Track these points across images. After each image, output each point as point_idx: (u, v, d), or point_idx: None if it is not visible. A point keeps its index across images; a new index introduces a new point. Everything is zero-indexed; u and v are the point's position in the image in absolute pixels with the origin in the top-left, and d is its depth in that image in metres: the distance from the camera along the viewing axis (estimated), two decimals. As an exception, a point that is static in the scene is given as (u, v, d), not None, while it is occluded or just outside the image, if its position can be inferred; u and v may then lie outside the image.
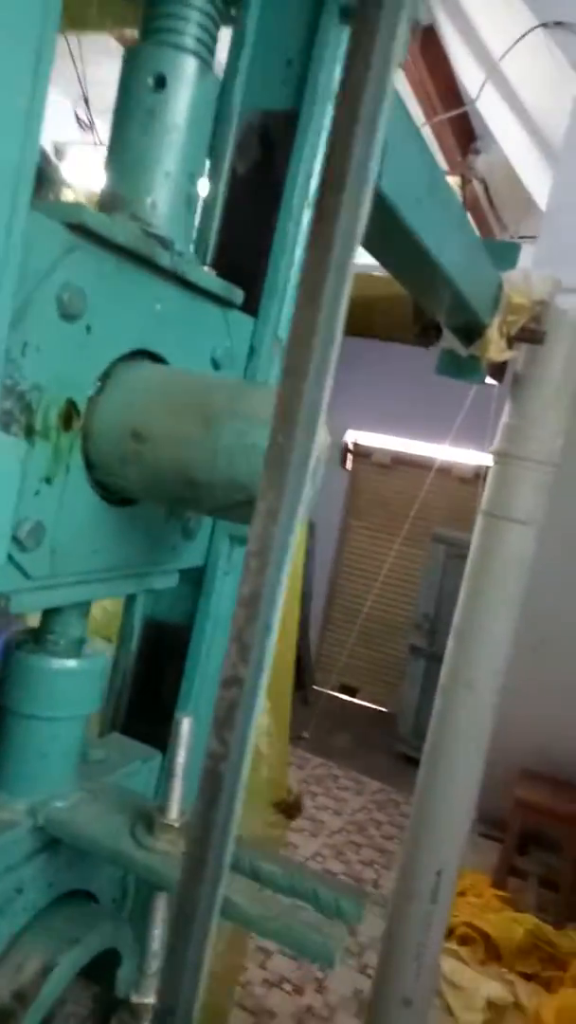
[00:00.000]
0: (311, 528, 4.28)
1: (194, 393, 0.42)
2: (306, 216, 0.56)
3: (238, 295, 0.52)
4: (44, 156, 0.47)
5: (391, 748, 4.00)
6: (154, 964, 0.46)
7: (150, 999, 0.46)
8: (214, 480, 0.41)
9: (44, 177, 0.36)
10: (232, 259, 0.56)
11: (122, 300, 0.42)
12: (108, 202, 0.44)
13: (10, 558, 0.39)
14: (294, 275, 0.56)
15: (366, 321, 3.72)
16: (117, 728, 0.63)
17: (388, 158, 0.61)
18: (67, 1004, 0.47)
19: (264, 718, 1.67)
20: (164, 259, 0.44)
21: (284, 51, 0.54)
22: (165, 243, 0.43)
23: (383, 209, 0.67)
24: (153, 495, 0.45)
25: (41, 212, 0.36)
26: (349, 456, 4.82)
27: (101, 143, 2.89)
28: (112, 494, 0.45)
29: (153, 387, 0.43)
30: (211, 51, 0.45)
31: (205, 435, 0.41)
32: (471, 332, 1.13)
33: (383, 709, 4.61)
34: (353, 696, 4.77)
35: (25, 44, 0.30)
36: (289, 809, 1.72)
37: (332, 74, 0.54)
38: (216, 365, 0.52)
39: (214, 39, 0.46)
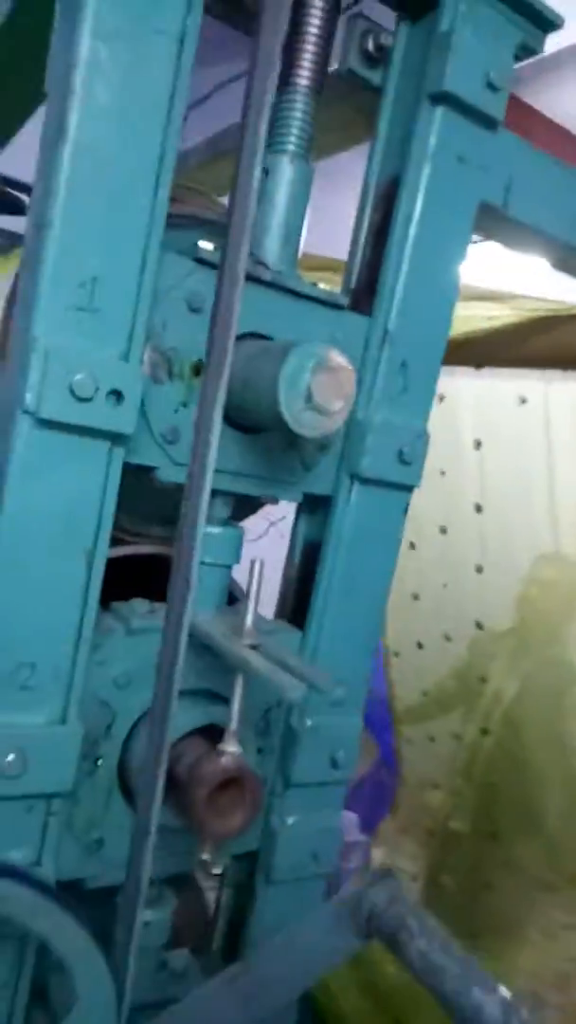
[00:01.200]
0: None
1: (270, 348, 0.68)
2: (408, 246, 0.77)
3: (340, 299, 0.75)
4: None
5: None
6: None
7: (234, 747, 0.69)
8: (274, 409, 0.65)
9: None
10: (370, 277, 0.80)
11: (234, 300, 0.70)
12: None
13: (159, 446, 0.69)
14: (400, 287, 0.78)
15: None
16: (285, 616, 0.88)
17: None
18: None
19: None
20: (266, 275, 0.71)
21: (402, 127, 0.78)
22: (265, 265, 0.71)
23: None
24: (251, 421, 0.71)
25: (171, 250, 0.67)
26: None
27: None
28: (237, 425, 0.73)
29: (253, 350, 0.70)
30: (308, 146, 0.73)
31: (272, 374, 0.66)
32: None
33: None
34: None
35: (155, 115, 0.61)
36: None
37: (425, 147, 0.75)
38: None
39: (311, 137, 0.73)
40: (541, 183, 0.83)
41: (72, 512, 0.64)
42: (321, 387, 0.62)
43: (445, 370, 0.82)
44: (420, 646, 2.63)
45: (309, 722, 0.82)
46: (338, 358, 0.63)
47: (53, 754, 0.66)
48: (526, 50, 0.78)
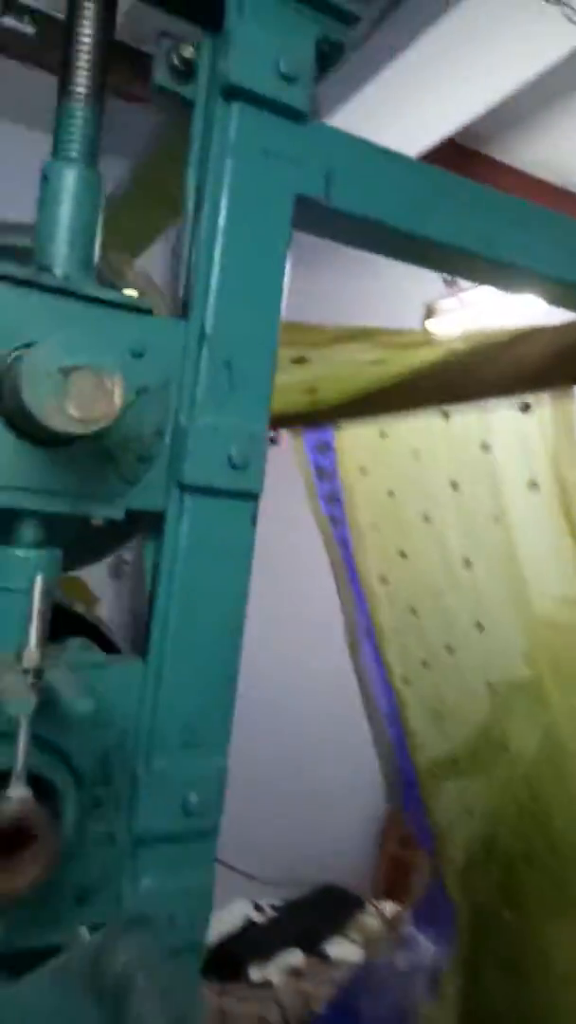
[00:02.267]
0: None
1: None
2: (217, 245, 0.74)
3: (143, 303, 0.72)
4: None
5: None
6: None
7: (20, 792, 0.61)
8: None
9: None
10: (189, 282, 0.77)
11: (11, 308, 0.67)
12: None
13: None
14: (214, 286, 0.74)
15: None
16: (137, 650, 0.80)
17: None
18: None
19: None
20: (50, 280, 0.68)
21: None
22: (48, 270, 0.68)
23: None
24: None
25: None
26: None
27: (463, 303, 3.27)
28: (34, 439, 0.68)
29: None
30: (90, 151, 0.71)
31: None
32: None
33: None
34: None
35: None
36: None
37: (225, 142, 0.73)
38: (137, 354, 0.72)
39: (93, 143, 0.72)
40: (367, 172, 0.80)
41: None
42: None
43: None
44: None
45: (154, 764, 0.74)
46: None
47: None
48: (330, 43, 0.77)
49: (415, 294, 3.58)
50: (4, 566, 0.67)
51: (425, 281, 3.29)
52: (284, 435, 2.93)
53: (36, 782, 0.66)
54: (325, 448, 2.69)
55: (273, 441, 2.96)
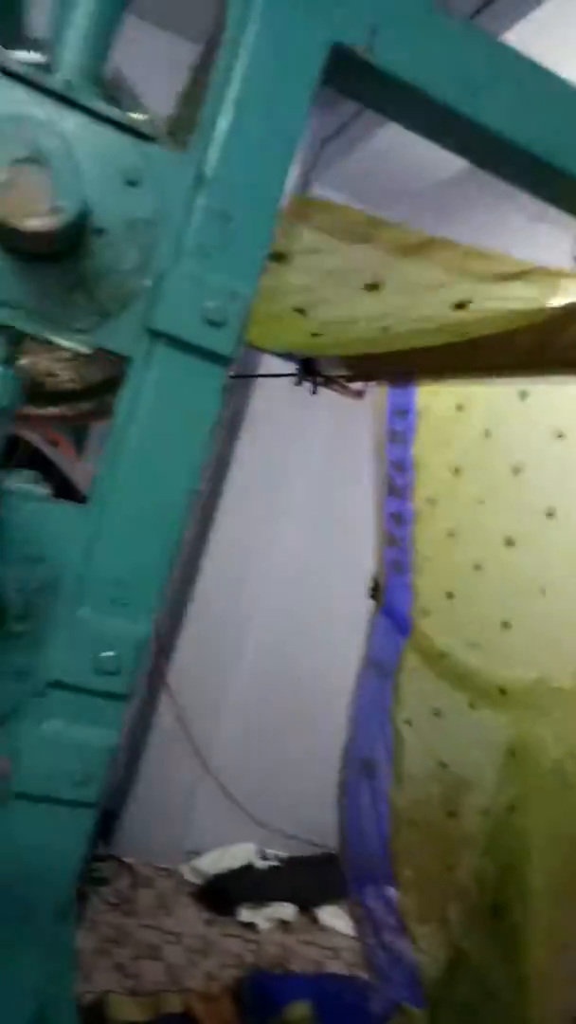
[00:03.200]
0: None
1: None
2: (236, 79, 0.69)
3: (146, 126, 0.68)
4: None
5: None
6: None
7: None
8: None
9: None
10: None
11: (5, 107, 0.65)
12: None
13: None
14: (223, 125, 0.69)
15: None
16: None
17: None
18: None
19: None
20: (53, 83, 0.65)
21: None
22: (50, 71, 0.65)
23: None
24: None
25: None
26: None
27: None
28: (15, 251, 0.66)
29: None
30: None
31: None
32: None
33: None
34: None
35: None
36: None
37: None
38: (130, 182, 0.69)
39: None
40: (420, 33, 0.72)
41: None
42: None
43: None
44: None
45: (79, 612, 0.72)
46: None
47: None
48: None
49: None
50: None
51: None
52: (369, 391, 2.86)
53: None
54: (404, 413, 2.60)
55: (358, 395, 2.90)
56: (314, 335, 1.76)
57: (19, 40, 0.77)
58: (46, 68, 0.66)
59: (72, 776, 0.74)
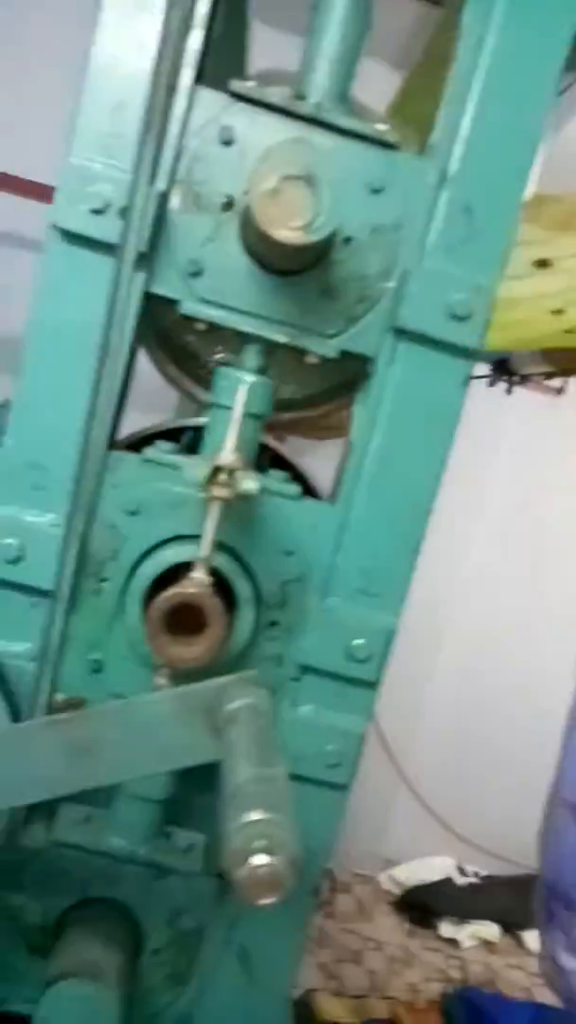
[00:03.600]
0: None
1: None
2: (479, 75, 0.70)
3: (388, 136, 0.70)
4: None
5: None
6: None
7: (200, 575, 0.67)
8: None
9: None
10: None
11: (267, 135, 0.70)
12: (274, 81, 0.73)
13: (182, 278, 0.71)
14: (466, 122, 0.70)
15: None
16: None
17: None
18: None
19: None
20: (303, 108, 0.70)
21: None
22: (301, 98, 0.70)
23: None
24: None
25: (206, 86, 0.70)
26: None
27: None
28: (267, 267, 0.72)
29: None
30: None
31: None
32: None
33: None
34: None
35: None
36: None
37: None
38: (375, 191, 0.72)
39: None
40: None
41: (83, 326, 0.70)
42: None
43: None
44: None
45: (328, 601, 0.76)
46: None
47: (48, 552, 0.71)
48: None
49: None
50: (225, 387, 0.72)
51: None
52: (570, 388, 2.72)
53: (222, 587, 0.72)
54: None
55: (559, 391, 2.77)
56: (567, 332, 1.69)
57: (243, 75, 0.84)
58: (299, 96, 0.71)
59: (326, 758, 0.77)
